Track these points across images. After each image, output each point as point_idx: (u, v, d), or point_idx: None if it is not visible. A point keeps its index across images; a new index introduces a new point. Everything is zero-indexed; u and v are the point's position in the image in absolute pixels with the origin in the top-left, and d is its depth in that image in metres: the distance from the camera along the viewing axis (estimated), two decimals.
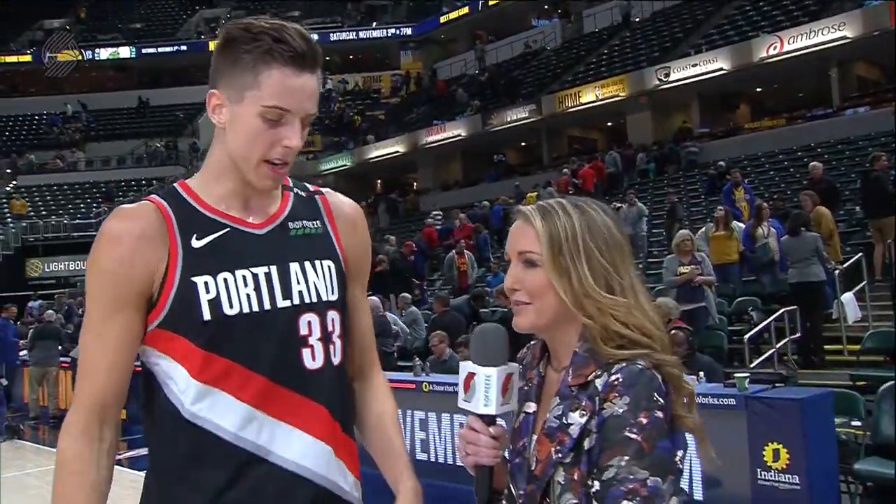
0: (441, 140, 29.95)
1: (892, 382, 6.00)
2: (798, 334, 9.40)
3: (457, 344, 9.09)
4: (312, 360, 1.53)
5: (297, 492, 1.49)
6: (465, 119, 29.66)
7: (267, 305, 1.50)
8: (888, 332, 8.34)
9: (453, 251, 15.58)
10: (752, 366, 8.50)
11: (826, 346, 9.67)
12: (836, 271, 9.99)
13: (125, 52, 40.34)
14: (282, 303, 1.51)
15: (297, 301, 1.53)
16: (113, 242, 1.47)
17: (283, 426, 1.49)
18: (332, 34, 39.71)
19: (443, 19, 38.71)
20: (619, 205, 15.41)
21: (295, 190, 1.66)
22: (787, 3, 24.38)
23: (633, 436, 1.25)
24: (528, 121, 27.48)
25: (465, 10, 37.52)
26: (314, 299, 1.55)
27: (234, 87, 1.48)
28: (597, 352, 1.36)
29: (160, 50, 40.29)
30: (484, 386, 1.39)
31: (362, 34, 40.56)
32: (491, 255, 17.07)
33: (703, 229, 11.53)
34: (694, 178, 20.44)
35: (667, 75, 24.01)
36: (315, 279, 1.56)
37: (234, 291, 1.48)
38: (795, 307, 9.36)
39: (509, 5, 35.61)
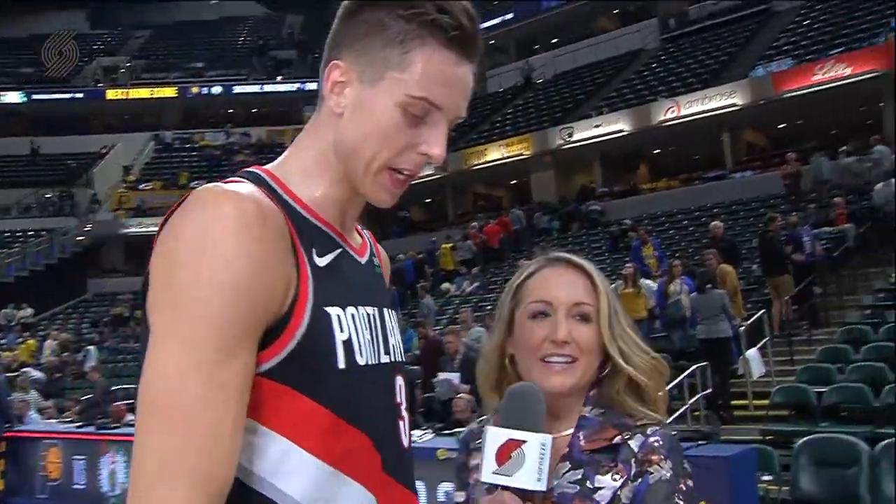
0: None
1: (802, 440, 6.15)
2: (709, 390, 9.60)
3: None
4: (405, 435, 1.19)
5: None
6: None
7: (383, 358, 1.15)
8: (796, 387, 8.61)
9: None
10: (667, 422, 8.58)
11: (733, 402, 9.91)
12: (741, 327, 10.31)
13: (14, 97, 38.86)
14: (384, 358, 1.15)
15: (395, 358, 1.18)
16: (247, 239, 0.97)
17: None
18: (234, 87, 39.36)
19: None
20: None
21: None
22: (682, 71, 25.61)
23: (681, 502, 1.26)
24: (435, 177, 27.69)
25: None
26: (400, 358, 1.21)
27: (370, 62, 1.08)
28: (615, 415, 1.35)
29: (54, 96, 38.98)
30: (538, 455, 1.16)
31: (267, 88, 40.32)
32: (399, 311, 16.97)
33: (612, 286, 11.72)
34: (597, 237, 20.94)
35: (570, 135, 24.72)
36: (396, 333, 1.22)
37: (361, 333, 1.09)
38: (706, 363, 9.57)
39: None
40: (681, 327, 10.71)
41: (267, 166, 1.14)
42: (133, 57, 40.80)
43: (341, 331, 1.05)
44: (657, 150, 26.01)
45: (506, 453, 1.17)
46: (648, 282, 11.74)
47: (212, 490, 0.93)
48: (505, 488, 1.17)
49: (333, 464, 1.02)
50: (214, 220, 0.96)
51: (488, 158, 26.57)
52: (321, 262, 1.07)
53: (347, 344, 1.06)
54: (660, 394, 1.40)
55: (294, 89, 40.48)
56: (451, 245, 20.98)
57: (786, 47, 23.41)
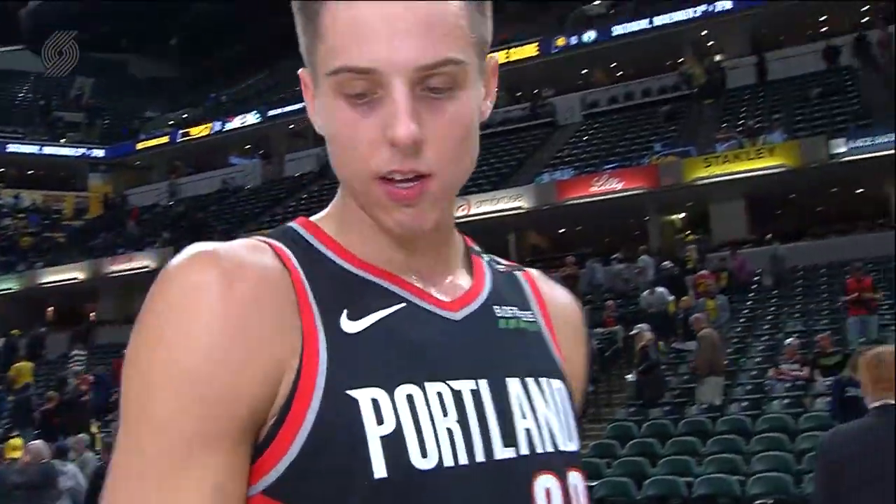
0: (128, 270, 28.28)
1: None
2: None
3: None
4: None
5: None
6: (155, 251, 28.40)
7: (480, 455, 0.77)
8: None
9: None
10: None
11: None
12: None
13: None
14: (502, 452, 0.79)
15: (525, 450, 0.80)
16: (201, 313, 0.72)
17: None
18: (8, 145, 36.69)
19: (140, 145, 37.48)
20: None
21: (486, 258, 0.95)
22: (474, 172, 26.69)
23: None
24: None
25: (165, 139, 36.71)
26: (550, 447, 0.83)
27: (307, 60, 0.82)
28: None
29: None
30: None
31: (46, 149, 37.90)
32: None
33: None
34: None
35: None
36: (546, 410, 0.84)
37: (428, 424, 0.75)
38: None
39: (210, 139, 35.51)
40: None
41: (313, 217, 0.88)
42: None
43: (380, 422, 0.73)
44: None
45: None
46: None
47: None
48: None
49: None
50: (168, 291, 0.74)
51: None
52: (353, 327, 0.77)
53: (393, 440, 0.73)
54: None
55: (78, 154, 38.38)
56: None
57: (568, 158, 25.29)
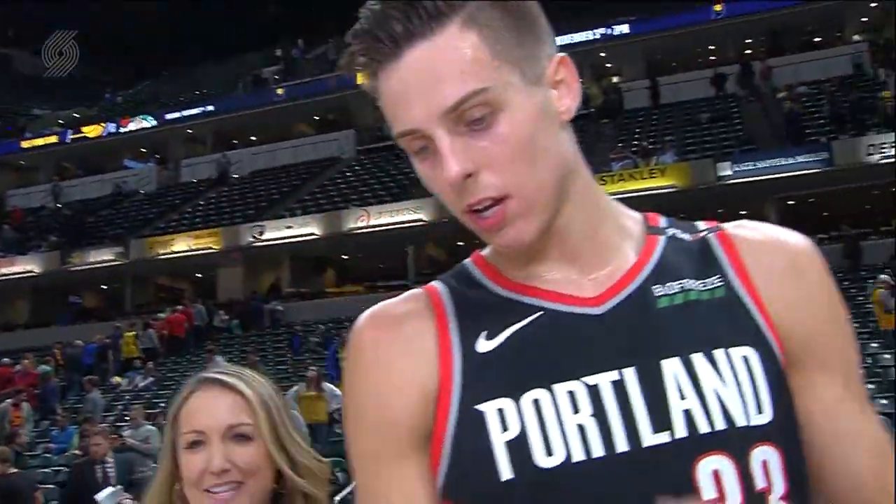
0: (7, 275, 26.96)
1: None
2: None
3: None
4: None
5: None
6: (39, 255, 27.18)
7: (622, 445, 0.80)
8: None
9: (8, 401, 13.85)
10: None
11: None
12: None
13: None
14: (652, 438, 0.80)
15: (682, 432, 0.80)
16: (362, 365, 0.91)
17: None
18: None
19: (25, 144, 35.79)
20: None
21: (671, 232, 0.94)
22: (374, 183, 26.85)
23: None
24: (114, 264, 26.06)
25: (54, 138, 35.20)
26: (721, 425, 0.80)
27: None
28: None
29: None
30: None
31: None
32: (58, 406, 15.48)
33: (295, 388, 11.70)
34: (280, 337, 20.81)
35: (261, 233, 24.64)
36: (718, 385, 0.82)
37: (555, 424, 0.81)
38: None
39: (103, 141, 34.28)
40: None
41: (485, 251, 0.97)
42: None
43: (504, 429, 0.81)
44: (346, 256, 26.74)
45: None
46: (331, 386, 11.85)
47: None
48: None
49: None
50: (347, 355, 0.95)
51: (174, 249, 25.56)
52: (487, 346, 0.86)
53: (517, 444, 0.80)
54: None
55: None
56: (133, 333, 19.70)
57: None
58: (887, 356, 11.65)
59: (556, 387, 0.82)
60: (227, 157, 30.88)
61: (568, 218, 0.88)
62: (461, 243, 25.37)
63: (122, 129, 34.29)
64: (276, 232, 24.53)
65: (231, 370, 1.34)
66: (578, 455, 0.79)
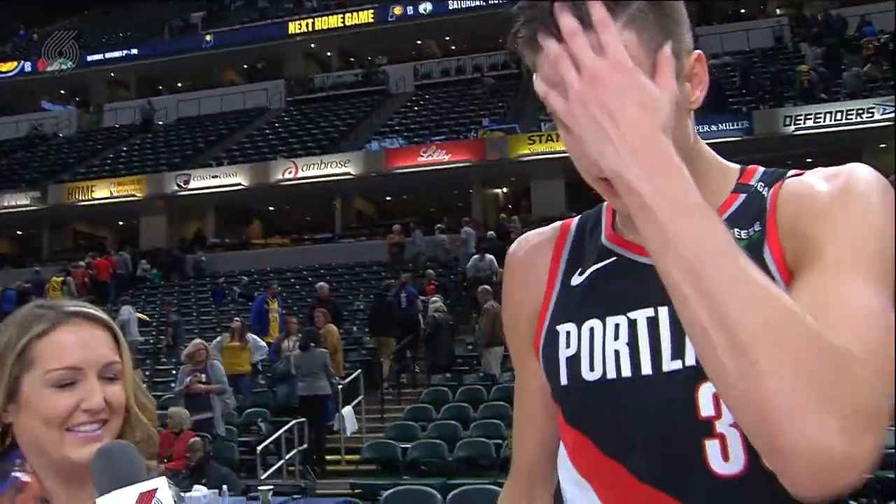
0: None
1: (387, 493, 6.62)
2: (304, 445, 9.89)
3: None
4: (724, 458, 0.96)
5: None
6: None
7: (647, 369, 0.99)
8: (384, 443, 9.24)
9: None
10: (263, 477, 8.69)
11: (327, 457, 10.33)
12: (340, 386, 10.84)
13: None
14: (670, 365, 0.98)
15: (691, 361, 0.96)
16: (506, 284, 1.22)
17: None
18: None
19: None
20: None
21: (757, 186, 1.04)
22: (303, 135, 26.55)
23: None
24: (30, 209, 25.27)
25: None
26: None
27: None
28: None
29: None
30: (170, 496, 1.03)
31: None
32: None
33: (218, 339, 11.67)
34: (203, 287, 20.60)
35: (186, 182, 24.20)
36: None
37: (600, 347, 1.03)
38: (304, 419, 9.88)
39: (17, 80, 32.94)
40: (288, 383, 10.92)
41: None
42: None
43: (567, 346, 1.06)
44: (272, 208, 26.49)
45: None
46: (255, 336, 11.86)
47: (517, 469, 1.25)
48: None
49: (581, 473, 1.07)
50: None
51: (95, 196, 24.91)
52: (576, 280, 1.10)
53: (572, 360, 1.05)
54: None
55: None
56: (61, 278, 19.20)
57: (398, 127, 25.50)
58: None
59: (609, 318, 1.03)
60: (151, 104, 30.06)
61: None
62: (388, 198, 25.44)
63: (38, 70, 33.00)
64: (202, 181, 24.12)
65: (88, 305, 1.27)
66: (612, 373, 1.01)
